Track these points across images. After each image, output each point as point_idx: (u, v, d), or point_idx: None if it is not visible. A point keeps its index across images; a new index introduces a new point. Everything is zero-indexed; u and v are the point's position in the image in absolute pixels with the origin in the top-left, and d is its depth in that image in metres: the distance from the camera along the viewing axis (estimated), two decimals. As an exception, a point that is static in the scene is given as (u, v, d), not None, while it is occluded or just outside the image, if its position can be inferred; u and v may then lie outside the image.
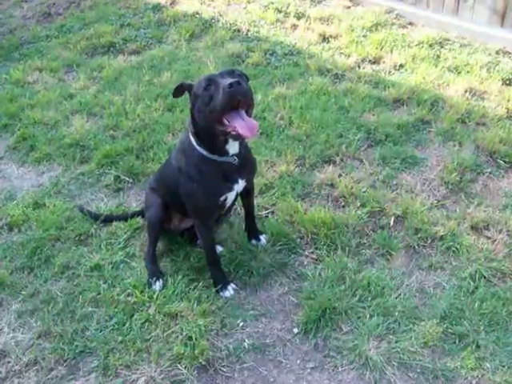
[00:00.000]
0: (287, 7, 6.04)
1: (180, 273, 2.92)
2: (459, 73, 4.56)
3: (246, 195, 2.96)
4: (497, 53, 4.80)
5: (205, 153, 2.53)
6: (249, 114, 2.36)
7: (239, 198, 2.95)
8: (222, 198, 2.66)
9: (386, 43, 5.09)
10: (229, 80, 2.24)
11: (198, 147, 2.54)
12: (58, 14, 6.82)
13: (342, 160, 3.69)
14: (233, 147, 2.53)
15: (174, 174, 2.69)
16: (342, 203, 3.34)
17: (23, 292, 2.93)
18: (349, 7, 5.99)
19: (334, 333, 2.58)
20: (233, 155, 2.54)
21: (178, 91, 2.55)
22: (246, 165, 2.66)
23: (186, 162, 2.61)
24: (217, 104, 2.27)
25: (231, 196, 2.70)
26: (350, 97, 4.34)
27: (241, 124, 2.29)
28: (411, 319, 2.60)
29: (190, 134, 2.58)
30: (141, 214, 3.28)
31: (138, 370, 2.47)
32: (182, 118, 4.22)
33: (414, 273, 2.87)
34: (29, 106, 4.70)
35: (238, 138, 2.37)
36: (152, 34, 5.91)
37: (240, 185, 2.68)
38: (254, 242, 3.08)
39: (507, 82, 4.36)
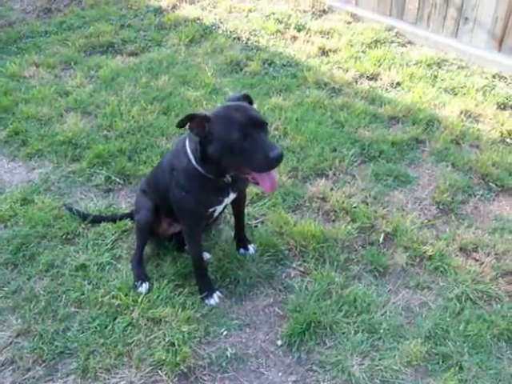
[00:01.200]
0: (288, 18, 6.07)
1: (166, 278, 2.89)
2: (455, 94, 4.60)
3: (238, 205, 2.95)
4: (493, 77, 4.85)
5: (201, 169, 2.46)
6: None
7: (230, 207, 2.94)
8: (211, 210, 2.64)
9: (384, 60, 5.13)
10: (276, 149, 2.22)
11: (194, 163, 2.47)
12: (58, 11, 6.79)
13: (334, 174, 3.69)
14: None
15: (166, 178, 2.66)
16: (333, 217, 3.33)
17: (5, 288, 2.89)
18: (349, 22, 6.03)
19: (317, 347, 2.56)
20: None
21: (185, 122, 2.34)
22: (239, 179, 2.57)
23: (179, 169, 2.55)
24: (255, 167, 2.28)
25: (220, 207, 2.69)
26: (346, 111, 4.36)
27: (263, 176, 2.33)
28: (396, 337, 2.59)
29: (188, 150, 2.48)
30: (130, 216, 3.25)
31: (117, 374, 2.44)
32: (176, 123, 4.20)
33: (400, 291, 2.87)
34: (23, 101, 4.65)
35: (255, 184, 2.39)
36: (152, 36, 5.90)
37: (230, 197, 2.65)
38: (242, 251, 3.06)
39: (502, 107, 4.40)
